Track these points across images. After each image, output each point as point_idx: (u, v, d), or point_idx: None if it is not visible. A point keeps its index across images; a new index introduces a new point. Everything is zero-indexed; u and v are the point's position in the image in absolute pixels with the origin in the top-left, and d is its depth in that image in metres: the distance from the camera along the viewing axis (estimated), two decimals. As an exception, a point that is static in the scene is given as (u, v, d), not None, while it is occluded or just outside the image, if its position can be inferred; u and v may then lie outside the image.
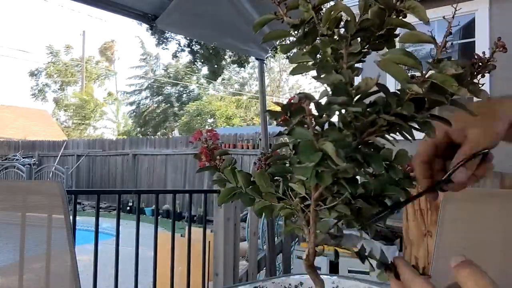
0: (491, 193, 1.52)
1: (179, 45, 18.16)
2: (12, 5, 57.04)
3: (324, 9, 0.52)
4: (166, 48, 18.36)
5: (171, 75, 27.85)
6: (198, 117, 23.09)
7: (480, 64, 0.55)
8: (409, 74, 0.50)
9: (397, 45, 0.55)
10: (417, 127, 0.53)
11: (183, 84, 27.09)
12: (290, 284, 0.83)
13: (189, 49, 17.53)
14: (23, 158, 15.18)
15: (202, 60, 19.95)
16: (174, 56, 21.70)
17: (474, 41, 4.60)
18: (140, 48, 28.81)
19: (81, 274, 1.35)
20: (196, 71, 26.74)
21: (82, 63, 31.62)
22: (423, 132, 0.53)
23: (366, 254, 0.60)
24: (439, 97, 0.48)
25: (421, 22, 0.54)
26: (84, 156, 14.33)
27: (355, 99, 0.47)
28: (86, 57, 32.78)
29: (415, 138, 0.54)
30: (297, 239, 4.21)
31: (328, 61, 0.51)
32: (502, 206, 1.34)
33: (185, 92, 27.34)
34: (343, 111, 0.48)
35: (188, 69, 26.31)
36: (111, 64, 33.45)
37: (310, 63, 0.54)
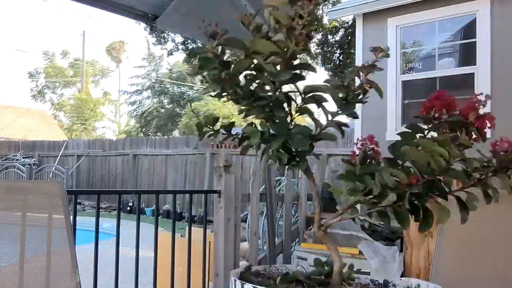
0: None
1: (175, 43, 18.06)
2: (12, 5, 57.08)
3: None
4: (165, 48, 18.28)
5: (174, 75, 27.83)
6: (197, 118, 23.02)
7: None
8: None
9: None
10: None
11: (184, 84, 27.07)
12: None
13: (183, 46, 17.45)
14: (23, 158, 15.18)
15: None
16: (170, 54, 21.64)
17: (475, 42, 4.59)
18: (145, 49, 28.78)
19: (81, 274, 1.35)
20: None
21: (82, 63, 31.62)
22: None
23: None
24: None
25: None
26: (84, 156, 14.32)
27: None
28: (89, 58, 32.82)
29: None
30: (297, 239, 4.21)
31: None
32: (505, 207, 1.33)
33: (187, 92, 27.30)
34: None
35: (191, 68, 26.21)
36: (118, 64, 33.41)
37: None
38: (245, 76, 0.56)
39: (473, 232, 1.30)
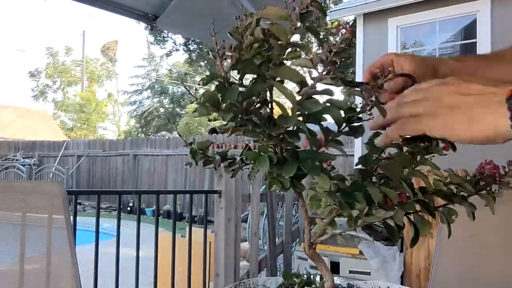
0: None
1: (175, 43, 18.13)
2: (12, 5, 57.12)
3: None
4: (164, 48, 18.30)
5: (174, 75, 27.83)
6: (197, 118, 23.04)
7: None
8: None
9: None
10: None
11: (185, 84, 26.99)
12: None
13: (185, 47, 17.50)
14: (23, 158, 15.18)
15: (204, 61, 19.90)
16: (168, 55, 21.56)
17: (476, 42, 4.59)
18: (145, 48, 28.78)
19: (81, 275, 1.35)
20: (200, 72, 26.73)
21: (82, 63, 31.63)
22: None
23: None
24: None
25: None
26: (85, 157, 14.33)
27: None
28: (89, 58, 32.81)
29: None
30: (298, 239, 4.21)
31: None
32: (505, 206, 1.33)
33: (187, 93, 27.23)
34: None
35: (191, 69, 26.26)
36: (113, 64, 33.45)
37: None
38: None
39: (473, 232, 1.30)
